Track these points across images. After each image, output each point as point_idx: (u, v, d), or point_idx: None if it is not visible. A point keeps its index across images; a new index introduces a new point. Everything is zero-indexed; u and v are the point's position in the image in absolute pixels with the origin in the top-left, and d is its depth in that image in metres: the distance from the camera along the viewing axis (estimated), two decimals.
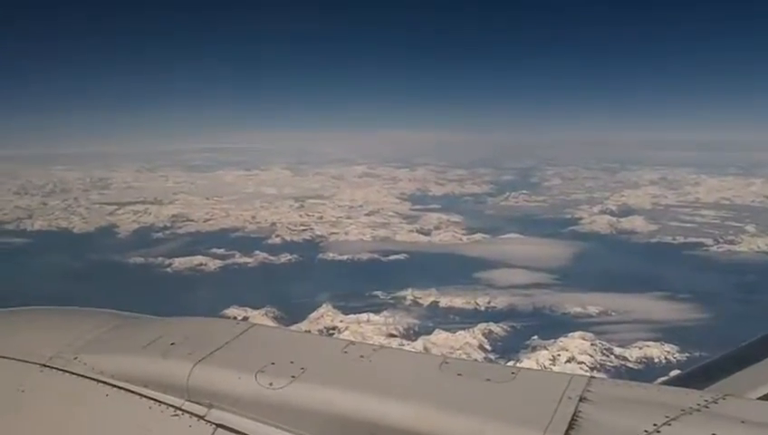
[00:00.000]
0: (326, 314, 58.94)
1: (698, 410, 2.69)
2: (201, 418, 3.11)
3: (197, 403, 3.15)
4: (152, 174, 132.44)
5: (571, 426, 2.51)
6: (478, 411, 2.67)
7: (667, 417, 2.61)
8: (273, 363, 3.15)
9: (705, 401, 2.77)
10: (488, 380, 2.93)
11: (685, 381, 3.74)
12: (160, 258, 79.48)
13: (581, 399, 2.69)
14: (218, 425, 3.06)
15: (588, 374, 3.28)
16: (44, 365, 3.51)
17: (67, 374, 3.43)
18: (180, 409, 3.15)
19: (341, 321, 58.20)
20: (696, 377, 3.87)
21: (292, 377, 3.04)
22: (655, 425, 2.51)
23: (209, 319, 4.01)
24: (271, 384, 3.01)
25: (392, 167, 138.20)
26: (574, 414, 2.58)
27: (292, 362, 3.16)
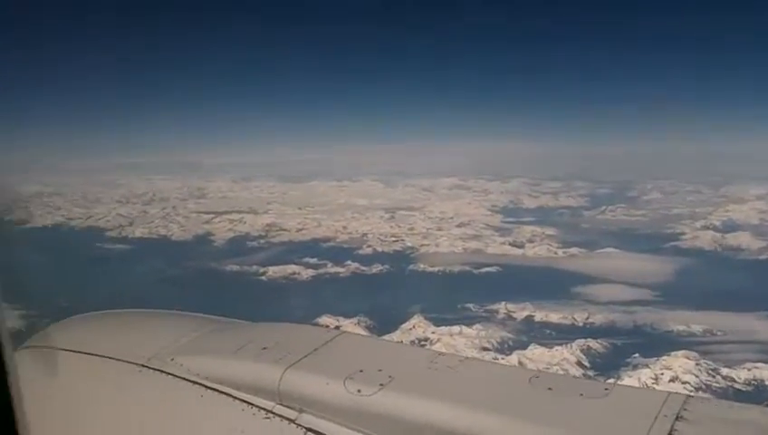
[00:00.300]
0: (418, 325, 58.24)
1: None
2: (292, 421, 3.22)
3: (288, 407, 3.27)
4: (247, 184, 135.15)
5: None
6: (569, 427, 2.68)
7: None
8: (361, 371, 3.25)
9: None
10: (581, 395, 2.93)
11: None
12: (255, 266, 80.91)
13: (678, 417, 2.68)
14: (308, 429, 3.17)
15: (686, 393, 3.12)
16: (143, 366, 3.70)
17: (164, 375, 3.61)
18: (272, 412, 3.28)
19: (433, 332, 57.32)
20: None
21: (381, 385, 3.13)
22: None
23: (300, 325, 4.20)
24: (359, 391, 3.10)
25: (484, 179, 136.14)
26: (669, 433, 2.56)
27: (380, 371, 3.24)
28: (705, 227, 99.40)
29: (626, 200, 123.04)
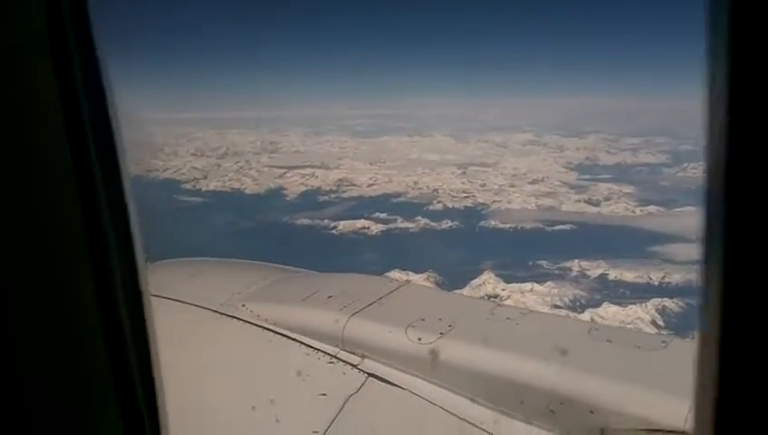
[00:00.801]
0: (488, 282, 57.53)
1: None
2: (354, 366, 3.36)
3: (352, 353, 3.41)
4: (319, 138, 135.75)
5: None
6: (626, 378, 2.74)
7: None
8: (422, 320, 3.36)
9: None
10: (638, 347, 2.99)
11: None
12: (326, 220, 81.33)
13: None
14: (370, 374, 3.31)
15: None
16: (216, 311, 3.89)
17: (235, 320, 3.80)
18: (336, 357, 3.42)
19: (503, 289, 56.51)
20: None
21: (440, 334, 3.24)
22: None
23: (365, 276, 4.40)
24: (420, 339, 3.23)
25: (559, 135, 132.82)
26: None
27: (440, 320, 3.34)
28: None
29: None
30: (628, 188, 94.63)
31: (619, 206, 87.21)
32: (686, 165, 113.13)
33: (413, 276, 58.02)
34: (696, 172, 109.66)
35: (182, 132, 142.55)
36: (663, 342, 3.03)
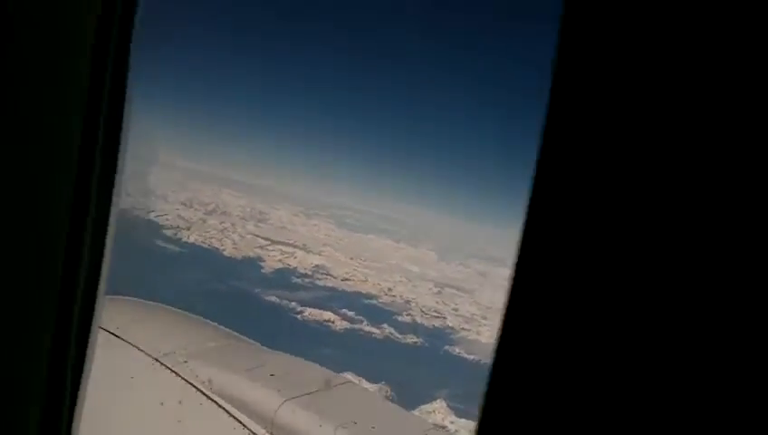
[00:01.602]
0: (438, 410, 56.04)
1: None
2: None
3: None
4: (307, 220, 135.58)
5: None
6: None
7: None
8: (355, 423, 3.26)
9: None
10: None
11: None
12: (294, 303, 79.96)
13: None
14: None
15: None
16: (156, 360, 3.79)
17: (172, 374, 3.70)
18: None
19: (452, 422, 54.89)
20: None
21: None
22: None
23: (311, 363, 4.29)
24: None
25: None
26: None
27: (373, 428, 3.25)
28: None
29: None
30: None
31: None
32: None
33: (365, 384, 56.50)
34: None
35: (178, 178, 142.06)
36: None
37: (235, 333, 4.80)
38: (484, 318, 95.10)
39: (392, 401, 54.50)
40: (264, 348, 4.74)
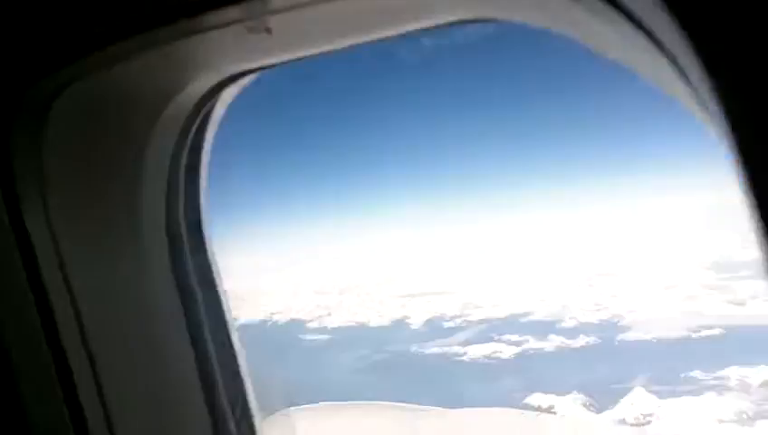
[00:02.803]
0: (640, 399, 53.63)
1: None
2: None
3: None
4: (432, 262, 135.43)
5: None
6: None
7: None
8: None
9: None
10: None
11: None
12: (455, 347, 79.25)
13: None
14: None
15: None
16: None
17: None
18: None
19: (659, 406, 52.45)
20: None
21: None
22: None
23: (504, 410, 8.52)
24: None
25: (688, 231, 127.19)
26: None
27: None
28: None
29: None
30: None
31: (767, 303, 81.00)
32: None
33: (557, 399, 55.08)
34: None
35: (300, 270, 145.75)
36: None
37: (410, 405, 4.49)
38: (646, 292, 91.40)
39: (590, 406, 52.94)
40: (448, 410, 4.45)
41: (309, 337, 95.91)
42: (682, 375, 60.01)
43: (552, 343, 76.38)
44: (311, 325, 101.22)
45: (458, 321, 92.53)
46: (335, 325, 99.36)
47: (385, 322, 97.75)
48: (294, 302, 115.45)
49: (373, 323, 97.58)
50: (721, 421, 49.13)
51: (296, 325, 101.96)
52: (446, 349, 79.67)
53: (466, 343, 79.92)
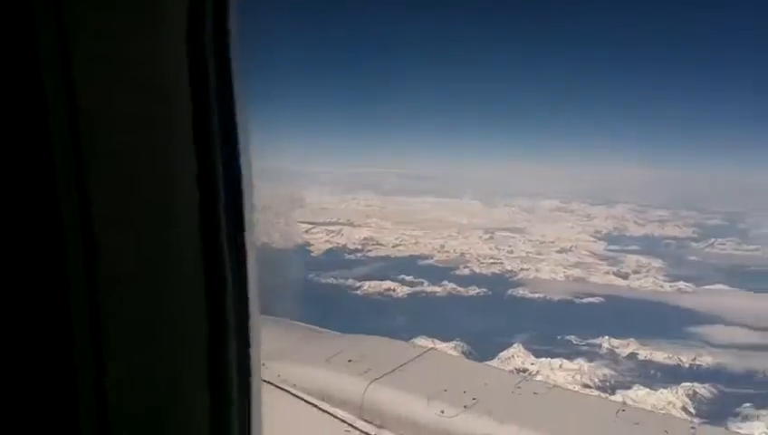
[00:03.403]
0: (517, 355, 56.81)
1: None
2: None
3: (370, 422, 3.32)
4: (345, 195, 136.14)
5: None
6: None
7: None
8: (445, 390, 3.28)
9: None
10: (665, 432, 2.93)
11: None
12: (351, 280, 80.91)
13: None
14: None
15: None
16: None
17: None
18: (353, 426, 3.34)
19: (533, 363, 55.77)
20: None
21: (464, 407, 3.14)
22: None
23: (388, 340, 4.27)
24: (442, 412, 3.13)
25: (587, 203, 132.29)
26: None
27: (465, 392, 3.26)
28: None
29: (737, 233, 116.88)
30: (656, 262, 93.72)
31: (647, 280, 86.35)
32: (713, 240, 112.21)
33: (439, 344, 57.34)
34: (724, 249, 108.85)
35: None
36: (692, 428, 2.98)
37: (304, 325, 4.85)
38: (539, 254, 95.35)
39: (469, 355, 55.58)
40: (336, 333, 4.70)
41: None
42: (559, 337, 63.80)
43: (445, 288, 79.20)
44: None
45: (358, 255, 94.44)
46: None
47: (287, 245, 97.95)
48: None
49: (275, 246, 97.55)
50: (586, 386, 52.74)
51: None
52: (341, 281, 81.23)
53: (364, 277, 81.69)
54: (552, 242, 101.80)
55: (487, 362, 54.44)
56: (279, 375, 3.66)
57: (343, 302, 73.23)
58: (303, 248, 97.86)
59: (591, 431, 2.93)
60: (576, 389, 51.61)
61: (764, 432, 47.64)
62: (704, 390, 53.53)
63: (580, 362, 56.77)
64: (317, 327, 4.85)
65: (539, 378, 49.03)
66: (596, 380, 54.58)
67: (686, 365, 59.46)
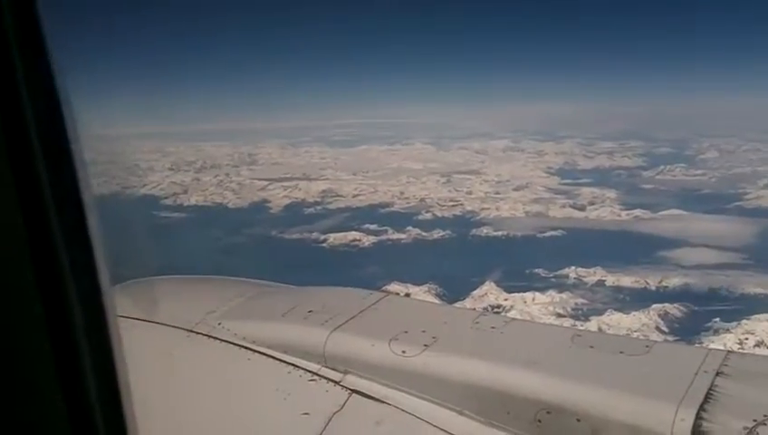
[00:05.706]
0: (489, 292, 57.46)
1: None
2: (337, 383, 3.30)
3: (334, 369, 3.33)
4: (297, 150, 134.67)
5: (706, 400, 2.53)
6: (610, 383, 2.75)
7: None
8: (405, 332, 3.31)
9: None
10: (621, 352, 3.00)
11: None
12: (315, 234, 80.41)
13: (719, 373, 2.71)
14: (353, 390, 3.25)
15: (726, 349, 3.15)
16: (191, 331, 3.74)
17: (212, 339, 3.67)
18: (317, 374, 3.35)
19: (506, 299, 56.50)
20: None
21: (425, 346, 3.19)
22: None
23: (344, 289, 4.22)
24: (404, 352, 3.18)
25: (536, 140, 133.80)
26: (710, 388, 2.61)
27: (424, 332, 3.30)
28: None
29: (684, 159, 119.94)
30: (611, 193, 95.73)
31: (604, 210, 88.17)
32: (662, 167, 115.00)
33: (413, 289, 57.71)
34: (674, 175, 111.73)
35: (154, 147, 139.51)
36: (646, 346, 3.04)
37: (263, 282, 4.75)
38: (497, 193, 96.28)
39: (443, 296, 56.07)
40: (293, 287, 4.68)
41: (164, 214, 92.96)
42: (527, 271, 64.80)
43: (410, 234, 79.47)
44: (166, 202, 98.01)
45: (318, 208, 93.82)
46: (192, 204, 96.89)
47: (244, 204, 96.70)
48: (149, 177, 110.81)
49: (232, 205, 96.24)
50: (560, 316, 53.83)
51: (150, 201, 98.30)
52: (306, 235, 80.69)
53: (328, 230, 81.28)
54: (508, 181, 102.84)
55: (461, 302, 55.43)
56: (236, 334, 3.63)
57: (311, 256, 72.75)
58: (262, 206, 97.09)
59: (547, 358, 2.96)
60: (551, 320, 53.01)
61: (735, 344, 49.43)
62: (674, 309, 55.11)
63: (552, 294, 57.74)
64: (273, 283, 4.72)
65: (513, 313, 50.16)
66: (569, 309, 55.70)
67: (653, 288, 61.11)
